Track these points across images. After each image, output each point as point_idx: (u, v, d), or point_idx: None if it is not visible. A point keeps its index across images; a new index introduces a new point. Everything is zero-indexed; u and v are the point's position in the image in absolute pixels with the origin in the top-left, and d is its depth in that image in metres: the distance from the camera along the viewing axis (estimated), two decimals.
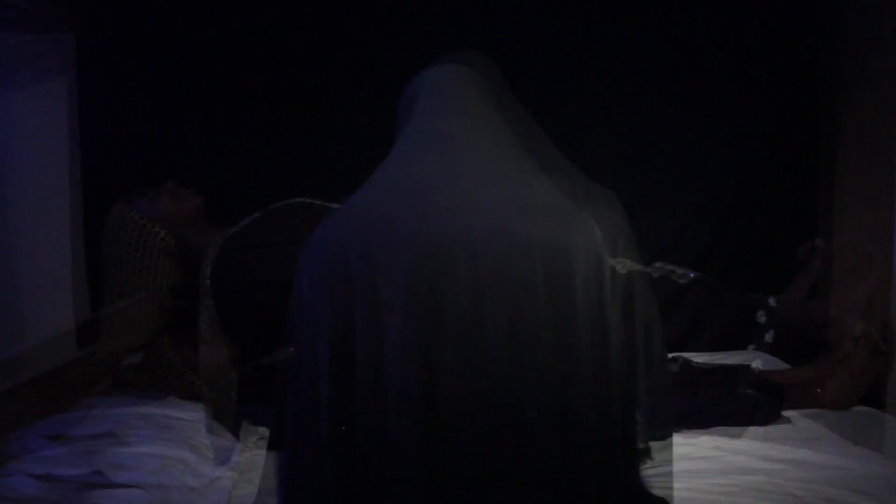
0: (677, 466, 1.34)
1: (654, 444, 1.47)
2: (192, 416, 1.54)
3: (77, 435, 1.17)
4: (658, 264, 1.52)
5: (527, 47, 1.87)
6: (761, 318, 1.43)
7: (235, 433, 1.39)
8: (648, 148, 1.90)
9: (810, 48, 1.89)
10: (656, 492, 1.20)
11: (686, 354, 1.48)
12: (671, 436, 1.50)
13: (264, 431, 1.56)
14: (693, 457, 1.39)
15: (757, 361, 1.53)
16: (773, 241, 1.89)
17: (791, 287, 1.63)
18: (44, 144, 1.81)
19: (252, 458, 1.45)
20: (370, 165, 1.19)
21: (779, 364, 1.54)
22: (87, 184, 1.82)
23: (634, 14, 1.88)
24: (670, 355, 1.47)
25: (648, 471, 1.34)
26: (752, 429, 1.54)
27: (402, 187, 0.96)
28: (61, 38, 1.68)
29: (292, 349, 0.99)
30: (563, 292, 0.91)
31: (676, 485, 1.25)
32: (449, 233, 0.91)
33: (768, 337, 1.41)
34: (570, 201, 0.99)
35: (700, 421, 1.54)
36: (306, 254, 0.98)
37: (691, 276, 1.52)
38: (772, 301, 1.45)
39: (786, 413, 1.63)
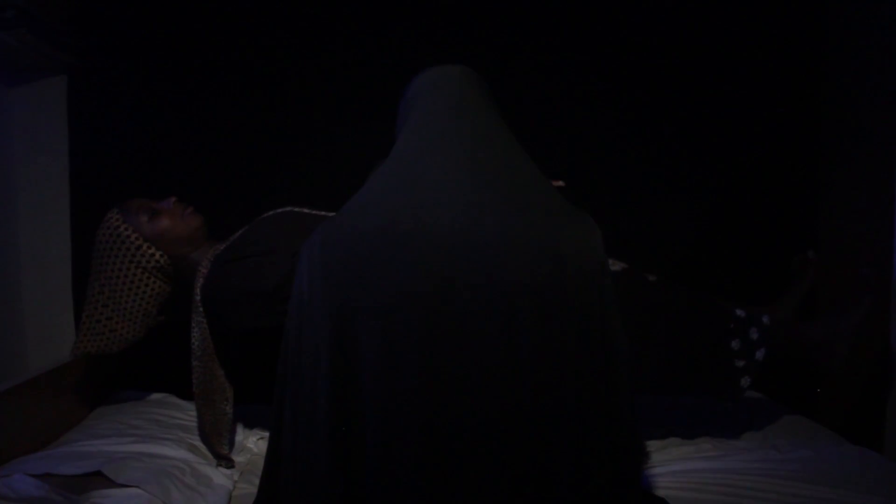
0: (677, 466, 1.34)
1: (653, 445, 1.48)
2: (192, 417, 1.55)
3: (64, 473, 1.15)
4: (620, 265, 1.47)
5: (519, 44, 1.86)
6: (753, 334, 1.38)
7: (229, 459, 1.38)
8: (643, 152, 1.89)
9: (808, 49, 1.89)
10: (656, 492, 1.21)
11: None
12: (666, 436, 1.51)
13: (264, 432, 1.56)
14: (693, 457, 1.39)
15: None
16: (766, 253, 1.85)
17: (783, 299, 1.58)
18: (44, 144, 1.81)
19: (252, 459, 1.45)
20: (364, 172, 1.19)
21: None
22: (80, 188, 1.81)
23: (632, 12, 1.87)
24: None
25: (648, 471, 1.34)
26: (751, 429, 1.55)
27: (403, 189, 0.96)
28: (60, 40, 1.67)
29: (290, 349, 0.99)
30: (568, 293, 0.92)
31: (676, 485, 1.25)
32: (452, 235, 0.91)
33: (759, 355, 1.36)
34: (571, 204, 0.99)
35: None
36: (307, 256, 0.97)
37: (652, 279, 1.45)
38: (765, 319, 1.40)
39: (787, 415, 1.64)
